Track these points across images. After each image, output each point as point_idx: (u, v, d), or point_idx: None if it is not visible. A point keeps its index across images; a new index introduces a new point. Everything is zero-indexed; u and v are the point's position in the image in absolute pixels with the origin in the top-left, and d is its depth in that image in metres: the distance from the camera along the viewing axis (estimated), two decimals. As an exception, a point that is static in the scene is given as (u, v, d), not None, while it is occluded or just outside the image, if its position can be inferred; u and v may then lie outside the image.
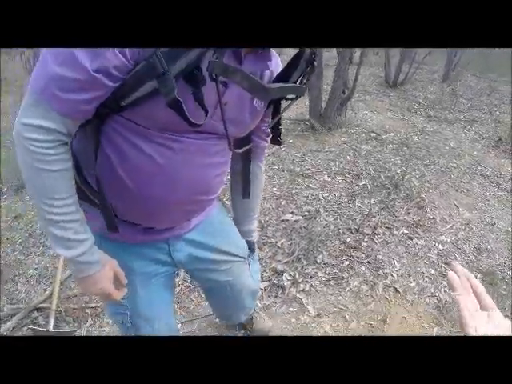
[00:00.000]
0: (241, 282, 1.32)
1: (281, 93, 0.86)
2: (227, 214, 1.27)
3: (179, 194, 0.88)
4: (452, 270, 0.59)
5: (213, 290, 1.38)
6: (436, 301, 2.03)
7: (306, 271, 2.17)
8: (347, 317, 1.93)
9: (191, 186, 0.89)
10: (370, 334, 1.84)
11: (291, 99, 0.92)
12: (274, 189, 2.93)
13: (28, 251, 2.56)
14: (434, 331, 1.86)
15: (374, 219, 2.59)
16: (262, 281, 2.10)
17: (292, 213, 2.64)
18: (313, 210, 2.66)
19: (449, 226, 2.61)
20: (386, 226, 2.56)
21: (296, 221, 2.55)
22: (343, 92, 3.74)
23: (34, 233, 2.72)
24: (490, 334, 0.50)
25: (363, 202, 2.76)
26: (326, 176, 3.10)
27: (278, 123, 1.02)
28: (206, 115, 0.74)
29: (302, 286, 2.09)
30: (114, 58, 0.64)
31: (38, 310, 2.10)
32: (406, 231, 2.53)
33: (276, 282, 2.10)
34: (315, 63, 0.88)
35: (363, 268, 2.22)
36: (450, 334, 1.84)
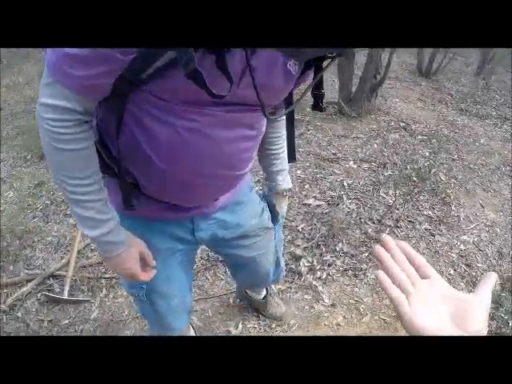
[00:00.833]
0: (266, 255, 1.29)
1: (318, 51, 0.74)
2: (254, 187, 1.23)
3: (206, 170, 0.84)
4: (381, 244, 0.54)
5: (236, 264, 1.36)
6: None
7: (325, 259, 2.13)
8: (361, 310, 1.90)
9: (219, 161, 0.84)
10: (382, 330, 1.80)
11: (332, 57, 0.79)
12: (299, 171, 2.87)
13: (48, 218, 2.59)
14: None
15: (397, 211, 2.52)
16: (279, 265, 2.07)
17: (315, 197, 2.59)
18: (336, 196, 2.60)
19: (472, 226, 2.52)
20: (409, 219, 2.49)
21: (318, 206, 2.50)
22: (374, 77, 3.61)
23: (55, 201, 2.75)
24: (430, 301, 0.48)
25: (387, 193, 2.68)
26: (351, 162, 3.03)
27: (320, 87, 0.90)
28: (231, 85, 0.67)
29: (319, 273, 2.05)
30: None
31: (53, 277, 2.14)
32: (428, 227, 2.46)
33: (293, 267, 2.07)
34: None
35: (382, 261, 2.16)
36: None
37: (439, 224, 2.49)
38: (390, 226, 2.41)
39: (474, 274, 2.15)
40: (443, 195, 2.73)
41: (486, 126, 4.13)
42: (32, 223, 2.56)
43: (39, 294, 2.05)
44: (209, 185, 0.90)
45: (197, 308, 1.87)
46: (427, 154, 3.27)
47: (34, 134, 3.39)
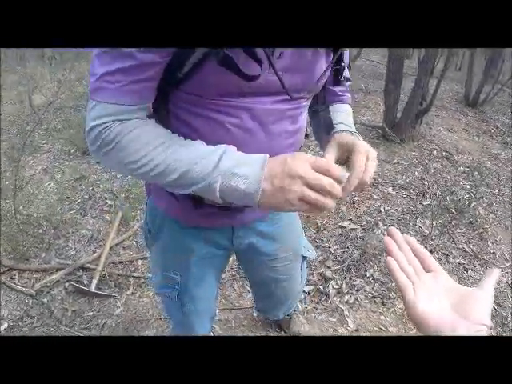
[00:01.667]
0: (289, 282, 1.28)
1: None
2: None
3: None
4: (389, 235, 0.58)
5: (259, 284, 1.36)
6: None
7: (354, 283, 2.08)
8: (386, 339, 1.83)
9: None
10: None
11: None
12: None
13: (85, 212, 2.66)
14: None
15: (432, 242, 2.44)
16: (308, 284, 2.05)
17: (350, 220, 2.56)
18: (372, 221, 2.56)
19: (508, 265, 2.40)
20: (444, 251, 2.41)
21: (353, 229, 2.47)
22: (420, 104, 3.55)
23: (94, 196, 2.83)
24: (433, 292, 0.50)
25: (424, 223, 2.61)
26: (390, 188, 2.98)
27: (340, 61, 0.86)
28: (261, 66, 0.67)
29: (346, 297, 2.00)
30: None
31: (83, 269, 2.19)
32: (462, 261, 2.37)
33: (321, 288, 2.04)
34: None
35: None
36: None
37: (474, 259, 2.39)
38: (423, 256, 2.33)
39: (504, 314, 2.04)
40: (481, 230, 2.63)
41: (530, 163, 3.96)
42: (69, 215, 2.63)
43: (67, 284, 2.10)
44: None
45: (221, 317, 1.86)
46: (468, 187, 3.16)
47: (80, 129, 3.52)
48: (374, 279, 2.12)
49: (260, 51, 0.66)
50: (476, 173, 3.41)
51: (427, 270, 0.54)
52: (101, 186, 2.96)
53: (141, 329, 1.85)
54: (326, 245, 2.34)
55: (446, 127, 4.37)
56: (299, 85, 0.76)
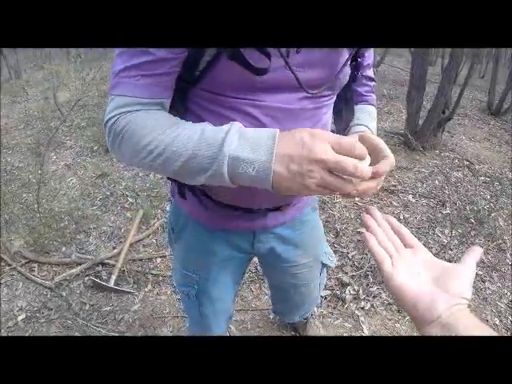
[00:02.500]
0: (308, 288, 1.28)
1: None
2: (319, 217, 1.22)
3: None
4: (368, 213, 0.58)
5: (278, 287, 1.36)
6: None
7: (371, 289, 2.07)
8: (400, 347, 1.81)
9: None
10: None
11: None
12: (356, 199, 2.84)
13: (106, 208, 2.71)
14: None
15: (450, 252, 2.41)
16: (325, 289, 2.04)
17: (370, 226, 2.53)
18: (391, 228, 2.53)
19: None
20: (463, 262, 2.37)
21: (372, 236, 2.44)
22: (443, 112, 3.51)
23: (115, 193, 2.87)
24: (412, 267, 0.50)
25: (443, 232, 2.57)
26: (410, 196, 2.95)
27: (356, 57, 0.83)
28: (270, 59, 0.65)
29: (362, 303, 1.99)
30: None
31: (103, 264, 2.22)
32: (480, 272, 2.33)
33: (338, 293, 2.03)
34: None
35: (429, 301, 2.07)
36: None
37: (491, 271, 2.35)
38: (442, 266, 2.30)
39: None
40: (500, 241, 2.58)
41: (553, 174, 3.88)
42: (90, 211, 2.68)
43: (86, 278, 2.14)
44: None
45: (237, 318, 1.87)
46: (488, 197, 3.11)
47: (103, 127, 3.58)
48: (391, 286, 2.11)
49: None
50: (497, 183, 3.36)
51: (407, 246, 0.54)
52: (123, 183, 3.01)
53: (157, 326, 1.87)
54: (345, 250, 2.34)
55: (468, 136, 4.31)
56: (317, 80, 0.72)
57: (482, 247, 2.50)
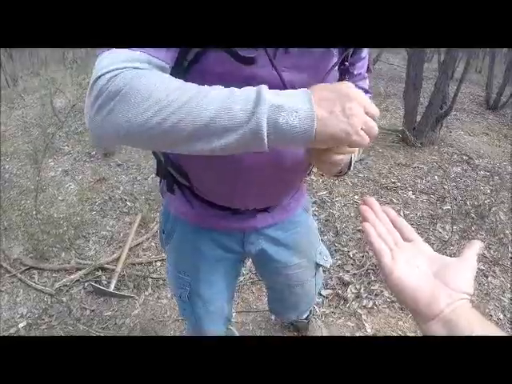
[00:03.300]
0: (303, 288, 1.27)
1: None
2: (312, 217, 1.21)
3: (255, 160, 0.79)
4: (364, 202, 0.57)
5: (272, 288, 1.35)
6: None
7: (372, 288, 2.06)
8: (403, 344, 1.80)
9: (272, 156, 0.79)
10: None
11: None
12: (356, 197, 2.85)
13: (105, 213, 2.70)
14: None
15: (451, 247, 2.40)
16: (326, 288, 2.04)
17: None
18: (391, 225, 2.52)
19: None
20: (464, 258, 2.36)
21: (372, 233, 2.43)
22: (440, 107, 3.50)
23: (114, 197, 2.87)
24: (412, 261, 0.49)
25: (444, 228, 2.56)
26: (410, 193, 2.94)
27: (345, 61, 0.81)
28: (256, 49, 0.64)
29: (365, 301, 1.98)
30: None
31: (102, 269, 2.21)
32: (482, 267, 2.32)
33: (340, 292, 2.02)
34: None
35: (431, 297, 2.06)
36: None
37: (494, 265, 2.34)
38: (443, 262, 2.30)
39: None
40: (501, 235, 2.57)
41: (553, 166, 3.87)
42: (89, 215, 2.67)
43: (86, 284, 2.13)
44: (264, 181, 0.86)
45: (238, 320, 1.86)
46: (488, 191, 3.11)
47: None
48: (393, 284, 2.10)
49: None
50: (497, 177, 3.35)
51: (406, 240, 0.53)
52: (121, 187, 3.00)
53: (158, 330, 1.86)
54: (345, 249, 2.32)
55: (466, 131, 4.31)
56: (302, 83, 0.67)
57: (484, 242, 2.49)
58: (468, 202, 2.86)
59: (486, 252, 2.43)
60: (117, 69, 0.54)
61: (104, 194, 2.92)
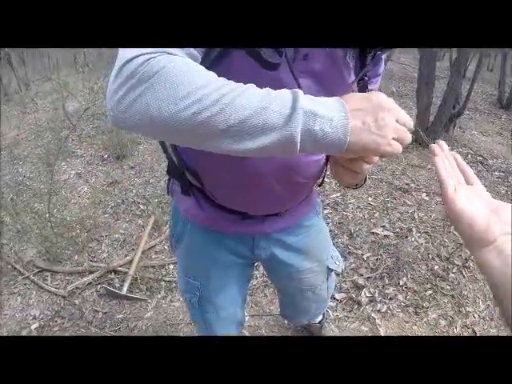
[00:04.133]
0: (315, 293, 1.25)
1: None
2: (323, 220, 1.20)
3: (271, 165, 0.79)
4: (437, 145, 0.61)
5: (283, 292, 1.34)
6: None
7: (387, 291, 2.03)
8: (417, 350, 1.78)
9: (287, 162, 0.79)
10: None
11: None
12: (370, 199, 2.82)
13: (118, 216, 2.71)
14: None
15: (467, 250, 2.36)
16: (340, 292, 2.02)
17: (383, 227, 2.51)
18: (405, 228, 2.50)
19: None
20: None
21: (386, 236, 2.42)
22: (453, 107, 3.45)
23: (127, 200, 2.88)
24: (472, 196, 0.53)
25: (459, 230, 2.53)
26: (424, 194, 2.90)
27: (364, 76, 0.80)
28: (281, 56, 0.62)
29: (379, 305, 1.96)
30: None
31: (115, 272, 2.22)
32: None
33: (354, 296, 2.00)
34: None
35: (445, 301, 2.03)
36: None
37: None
38: (457, 265, 2.26)
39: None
40: (517, 236, 2.53)
41: None
42: (102, 218, 2.68)
43: (99, 286, 2.14)
44: (274, 187, 0.85)
45: (251, 324, 1.85)
46: (503, 192, 3.06)
47: (113, 135, 3.60)
48: (407, 288, 2.07)
49: (290, 52, 0.64)
50: (511, 177, 3.30)
51: (468, 183, 0.57)
52: (134, 190, 3.01)
53: (171, 332, 1.86)
54: (359, 252, 2.30)
55: (479, 131, 4.24)
56: (320, 93, 0.66)
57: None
58: (483, 203, 2.81)
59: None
60: (150, 53, 0.50)
61: (117, 196, 2.94)
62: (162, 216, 2.61)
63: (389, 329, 1.86)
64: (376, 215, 2.63)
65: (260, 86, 0.55)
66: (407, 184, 3.05)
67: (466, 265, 2.27)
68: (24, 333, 1.88)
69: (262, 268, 2.07)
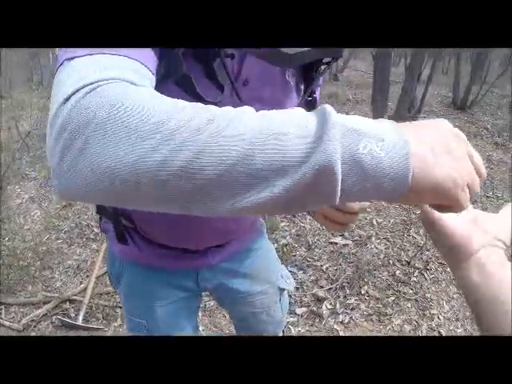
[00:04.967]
0: (269, 314, 1.21)
1: (310, 56, 0.61)
2: (267, 240, 1.16)
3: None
4: None
5: (237, 318, 1.29)
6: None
7: (348, 302, 2.03)
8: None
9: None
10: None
11: (327, 63, 0.69)
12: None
13: (71, 241, 2.62)
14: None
15: (427, 253, 2.40)
16: (301, 306, 2.00)
17: (342, 236, 2.51)
18: (364, 235, 2.52)
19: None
20: (440, 261, 2.36)
21: (345, 245, 2.43)
22: (408, 111, 3.53)
23: (80, 224, 2.79)
24: None
25: (418, 233, 2.57)
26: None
27: (312, 93, 0.75)
28: (222, 91, 0.60)
29: (341, 317, 1.95)
30: None
31: (70, 301, 2.14)
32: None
33: (315, 309, 1.98)
34: None
35: (409, 305, 2.05)
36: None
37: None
38: (419, 268, 2.29)
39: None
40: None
41: (523, 162, 3.95)
42: (55, 244, 2.58)
43: (54, 317, 2.05)
44: (216, 221, 0.81)
45: (211, 347, 1.80)
46: (462, 192, 3.14)
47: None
48: (368, 296, 2.07)
49: (223, 76, 0.60)
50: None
51: None
52: (88, 213, 2.92)
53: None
54: (318, 263, 2.29)
55: (436, 132, 4.36)
56: None
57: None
58: (441, 205, 2.88)
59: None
60: (96, 81, 0.37)
61: (70, 220, 2.84)
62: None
63: (353, 339, 1.85)
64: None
65: None
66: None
67: (428, 267, 2.30)
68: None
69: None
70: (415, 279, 2.21)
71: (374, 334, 1.89)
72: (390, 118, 3.63)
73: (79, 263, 2.41)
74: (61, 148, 0.35)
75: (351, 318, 1.95)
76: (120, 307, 2.05)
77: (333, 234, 2.52)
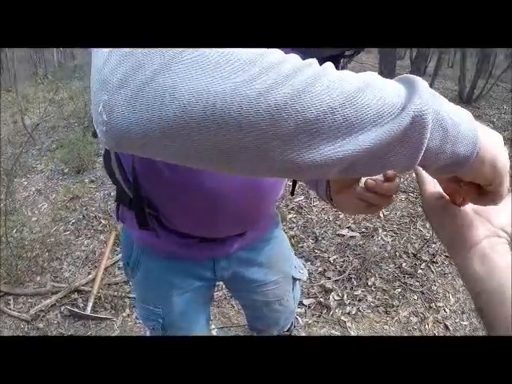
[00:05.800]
0: (281, 304, 1.23)
1: (332, 50, 0.59)
2: (281, 230, 1.17)
3: (234, 184, 0.77)
4: None
5: (250, 307, 1.31)
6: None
7: (355, 293, 2.03)
8: (390, 349, 1.78)
9: (244, 183, 0.78)
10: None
11: (349, 56, 0.69)
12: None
13: (79, 233, 2.63)
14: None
15: (434, 246, 2.39)
16: (308, 297, 2.00)
17: (349, 228, 2.51)
18: (371, 227, 2.51)
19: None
20: (446, 254, 2.36)
21: (352, 237, 2.42)
22: (414, 104, 3.52)
23: (88, 216, 2.79)
24: None
25: (424, 226, 2.56)
26: (388, 192, 2.94)
27: None
28: None
29: (348, 308, 1.95)
30: None
31: (78, 291, 2.15)
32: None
33: (322, 300, 1.99)
34: None
35: (415, 297, 2.05)
36: None
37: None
38: (425, 260, 2.29)
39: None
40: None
41: (530, 158, 3.93)
42: (63, 236, 2.59)
43: (62, 308, 2.06)
44: (233, 210, 0.83)
45: (219, 335, 1.81)
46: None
47: (73, 148, 3.49)
48: (375, 288, 2.08)
49: None
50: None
51: None
52: (95, 205, 2.93)
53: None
54: (326, 255, 2.29)
55: (442, 126, 4.34)
56: None
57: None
58: (447, 198, 2.87)
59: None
60: None
61: (78, 212, 2.85)
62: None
63: (360, 330, 1.86)
64: (341, 216, 2.63)
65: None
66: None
67: (434, 260, 2.30)
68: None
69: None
70: (421, 271, 2.21)
71: (381, 324, 1.89)
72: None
73: (87, 254, 2.42)
74: (122, 75, 0.30)
75: (358, 309, 1.96)
76: (129, 297, 2.06)
77: (340, 225, 2.52)
